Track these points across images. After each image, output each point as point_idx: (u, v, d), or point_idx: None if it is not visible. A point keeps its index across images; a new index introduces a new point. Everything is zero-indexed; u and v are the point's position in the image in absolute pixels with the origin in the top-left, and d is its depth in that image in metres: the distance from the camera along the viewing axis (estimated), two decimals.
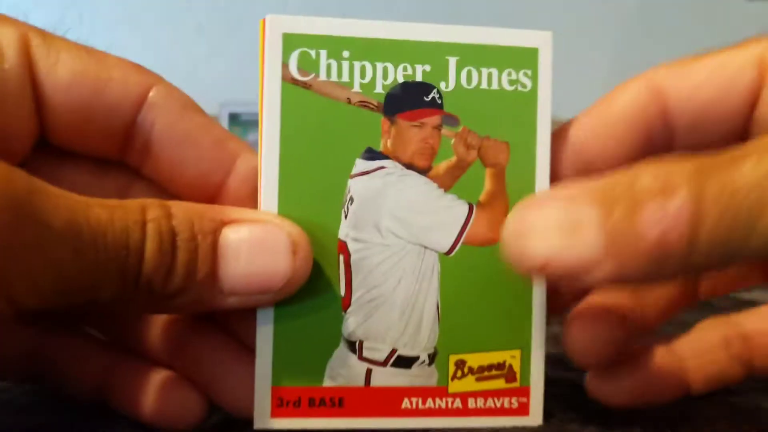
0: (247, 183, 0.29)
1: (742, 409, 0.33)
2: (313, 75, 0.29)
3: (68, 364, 0.30)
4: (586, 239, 0.24)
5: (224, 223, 0.26)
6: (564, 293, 0.31)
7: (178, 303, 0.25)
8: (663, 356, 0.31)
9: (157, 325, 0.30)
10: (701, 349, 0.31)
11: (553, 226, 0.25)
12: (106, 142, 0.29)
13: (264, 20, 0.28)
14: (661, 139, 0.30)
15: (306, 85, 0.28)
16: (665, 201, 0.23)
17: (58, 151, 0.29)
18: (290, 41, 0.28)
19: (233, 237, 0.26)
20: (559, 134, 0.30)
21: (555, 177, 0.30)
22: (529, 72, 0.30)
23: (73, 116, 0.27)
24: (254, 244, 0.26)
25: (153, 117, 0.28)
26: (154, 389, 0.29)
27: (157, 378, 0.29)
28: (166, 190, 0.29)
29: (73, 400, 0.31)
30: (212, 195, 0.29)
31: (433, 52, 0.29)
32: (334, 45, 0.29)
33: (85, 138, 0.28)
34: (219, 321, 0.30)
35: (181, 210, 0.25)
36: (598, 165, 0.29)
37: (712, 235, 0.23)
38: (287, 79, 0.28)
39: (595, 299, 0.31)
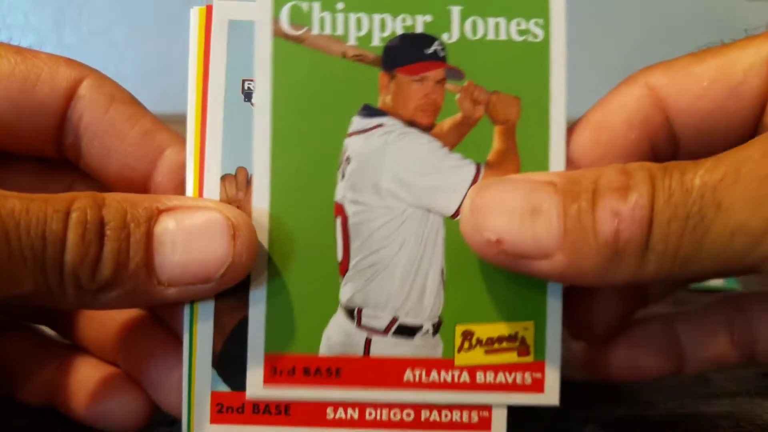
0: (173, 176, 0.28)
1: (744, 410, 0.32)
2: (305, 29, 0.27)
3: (18, 366, 0.30)
4: (542, 225, 0.24)
5: (161, 212, 0.25)
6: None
7: (112, 296, 0.24)
8: (660, 332, 0.30)
9: (110, 322, 0.30)
10: (703, 330, 0.30)
11: (513, 206, 0.24)
12: (40, 139, 0.28)
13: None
14: (666, 149, 0.28)
15: (298, 40, 0.27)
16: (623, 197, 0.23)
17: (2, 155, 0.29)
18: None
19: (169, 225, 0.25)
20: None
21: None
22: (541, 21, 0.27)
23: (3, 116, 0.27)
24: (190, 231, 0.25)
25: (81, 110, 0.28)
26: (95, 389, 0.28)
27: (102, 378, 0.29)
28: (104, 186, 0.29)
29: (23, 405, 0.30)
30: (140, 189, 0.28)
31: (435, 1, 0.27)
32: None
33: (20, 138, 0.28)
34: (169, 320, 0.29)
35: (115, 200, 0.25)
36: None
37: (664, 236, 0.23)
38: (278, 34, 0.27)
39: None
